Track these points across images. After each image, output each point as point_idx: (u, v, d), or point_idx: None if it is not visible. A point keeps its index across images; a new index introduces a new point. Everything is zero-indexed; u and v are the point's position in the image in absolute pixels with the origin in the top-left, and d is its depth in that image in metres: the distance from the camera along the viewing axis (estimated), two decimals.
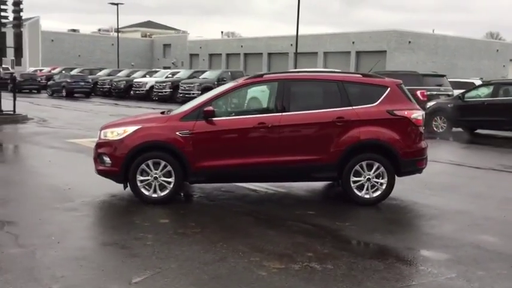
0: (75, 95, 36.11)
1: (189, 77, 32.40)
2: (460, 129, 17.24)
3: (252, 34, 59.34)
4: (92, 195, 7.44)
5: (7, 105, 18.91)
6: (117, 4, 50.71)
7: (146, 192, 7.10)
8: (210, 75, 31.44)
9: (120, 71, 41.71)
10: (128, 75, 38.49)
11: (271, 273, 4.70)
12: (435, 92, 19.04)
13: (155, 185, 7.09)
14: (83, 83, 36.76)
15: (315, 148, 7.21)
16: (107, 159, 7.18)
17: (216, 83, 28.33)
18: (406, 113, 7.34)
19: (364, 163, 7.23)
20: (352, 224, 6.39)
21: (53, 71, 47.68)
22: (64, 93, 35.93)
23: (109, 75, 40.56)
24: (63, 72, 43.99)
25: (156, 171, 7.07)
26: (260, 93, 7.65)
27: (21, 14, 19.47)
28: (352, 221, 6.51)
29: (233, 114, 7.40)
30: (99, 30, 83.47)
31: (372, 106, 7.35)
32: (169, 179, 7.09)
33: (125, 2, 53.04)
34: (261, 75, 7.68)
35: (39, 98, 34.19)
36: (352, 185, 7.25)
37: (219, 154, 7.12)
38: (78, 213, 6.56)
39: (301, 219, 6.50)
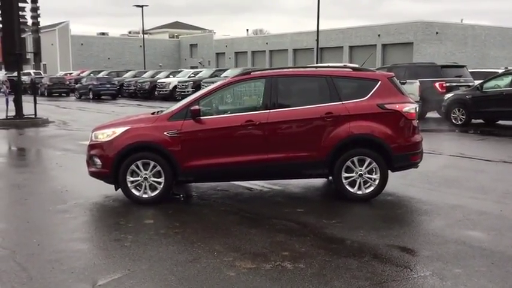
0: (102, 97, 36.75)
1: (211, 76, 32.52)
2: (481, 121, 16.79)
3: (280, 31, 59.26)
4: (87, 196, 7.52)
5: (31, 109, 19.33)
6: (141, 6, 51.28)
7: (137, 193, 7.13)
8: (230, 73, 31.43)
9: (145, 72, 42.19)
10: (153, 76, 38.91)
11: (240, 273, 4.64)
12: (455, 84, 18.58)
13: (145, 186, 7.12)
14: (108, 85, 37.39)
15: (305, 145, 7.10)
16: (98, 161, 7.24)
17: None
18: (397, 106, 7.16)
19: (355, 159, 7.10)
20: (338, 221, 6.26)
21: (81, 74, 48.67)
22: (91, 96, 36.63)
23: (134, 76, 41.11)
24: (91, 75, 44.84)
25: (145, 172, 7.09)
26: (248, 91, 7.59)
27: (39, 19, 19.88)
28: (339, 218, 6.38)
29: (221, 112, 7.35)
30: (130, 32, 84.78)
31: (362, 100, 7.20)
32: (159, 179, 7.11)
33: (154, 3, 53.66)
34: (249, 73, 7.61)
35: (66, 101, 34.93)
36: (344, 181, 7.12)
37: (208, 153, 7.10)
38: (68, 215, 6.64)
39: (287, 217, 6.42)
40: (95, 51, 67.17)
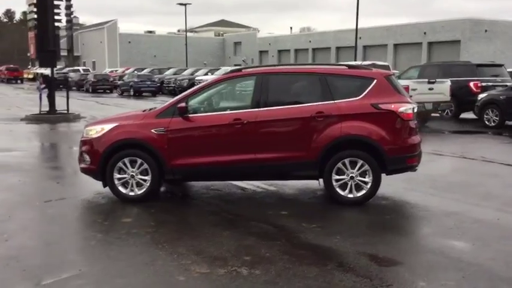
0: (143, 94, 37.32)
1: None
2: None
3: (328, 28, 58.30)
4: (79, 192, 7.53)
5: (71, 104, 19.71)
6: (185, 4, 51.81)
7: (124, 190, 7.05)
8: None
9: (185, 70, 42.57)
10: (192, 74, 39.21)
11: (190, 278, 4.47)
12: (491, 83, 17.73)
13: (132, 183, 7.04)
14: (149, 83, 37.91)
15: (294, 145, 6.84)
16: (87, 157, 7.22)
17: None
18: (392, 106, 6.79)
19: (346, 160, 6.78)
20: (319, 226, 5.97)
21: (125, 72, 49.63)
22: (132, 93, 37.25)
23: (174, 74, 41.55)
24: (135, 72, 45.65)
25: (132, 169, 7.01)
26: (239, 89, 7.39)
27: (72, 17, 20.30)
28: (321, 223, 6.09)
29: (211, 110, 7.17)
30: (178, 30, 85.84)
31: (356, 100, 6.86)
32: (146, 177, 7.01)
33: (202, 2, 54.10)
34: (240, 70, 7.41)
35: (108, 97, 35.59)
36: (335, 183, 6.82)
37: (195, 152, 6.94)
38: (51, 210, 6.65)
39: (267, 220, 6.19)
40: (142, 49, 68.36)
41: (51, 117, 19.14)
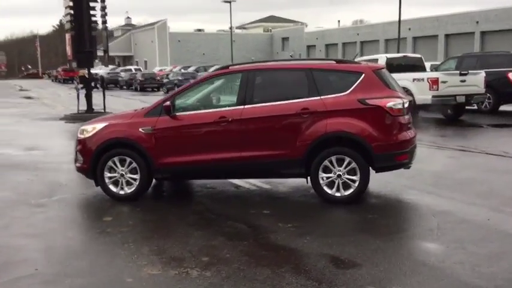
0: None
1: None
2: None
3: (380, 20, 56.84)
4: (78, 192, 7.65)
5: (114, 103, 20.21)
6: (229, 1, 52.06)
7: (114, 189, 7.13)
8: None
9: None
10: None
11: (137, 279, 4.44)
12: None
13: (122, 182, 7.11)
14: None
15: (280, 143, 6.70)
16: (80, 157, 7.35)
17: None
18: (380, 101, 6.52)
19: (333, 158, 6.58)
20: (295, 225, 5.81)
21: (173, 70, 50.48)
22: None
23: None
24: (180, 70, 46.38)
25: (122, 168, 7.07)
26: (226, 86, 7.30)
27: (107, 18, 20.80)
28: (299, 223, 5.92)
29: (197, 108, 7.13)
30: (231, 28, 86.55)
31: (343, 95, 6.64)
32: (135, 176, 7.06)
33: None
34: (227, 67, 7.32)
35: (153, 95, 36.24)
36: (321, 182, 6.64)
37: (182, 150, 6.93)
38: (40, 209, 6.79)
39: (245, 219, 6.10)
40: (191, 47, 69.35)
41: (87, 116, 19.66)
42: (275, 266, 4.65)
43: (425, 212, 6.18)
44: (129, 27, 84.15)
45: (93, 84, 20.73)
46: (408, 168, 6.98)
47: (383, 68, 7.02)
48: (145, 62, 73.39)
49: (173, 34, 70.23)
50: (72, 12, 20.08)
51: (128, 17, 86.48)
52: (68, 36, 20.76)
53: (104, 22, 20.94)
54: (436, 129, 13.98)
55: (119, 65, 70.56)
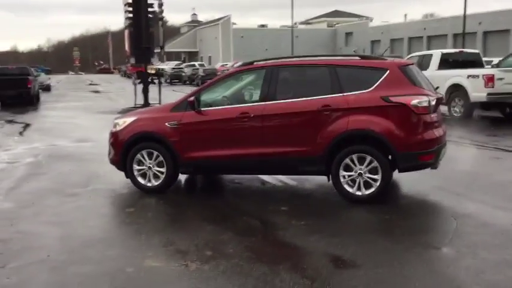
0: None
1: None
2: None
3: (454, 13, 54.55)
4: (112, 183, 7.89)
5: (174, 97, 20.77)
6: None
7: (142, 181, 7.33)
8: None
9: None
10: None
11: (137, 269, 4.55)
12: None
13: (149, 175, 7.31)
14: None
15: (301, 139, 6.66)
16: (112, 149, 7.63)
17: None
18: (404, 99, 6.33)
19: (354, 156, 6.46)
20: (308, 223, 5.76)
21: (234, 65, 51.02)
22: None
23: None
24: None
25: (150, 161, 7.27)
26: (251, 82, 7.31)
27: (163, 15, 21.31)
28: (313, 220, 5.86)
29: (222, 104, 7.19)
30: (295, 23, 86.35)
31: (366, 92, 6.50)
32: (162, 169, 7.24)
33: None
34: (252, 63, 7.34)
35: None
36: (342, 180, 6.53)
37: (205, 145, 7.03)
38: (71, 199, 7.09)
39: (260, 215, 6.11)
40: (254, 43, 69.65)
41: None
42: (274, 263, 4.64)
43: (447, 215, 5.97)
44: (195, 23, 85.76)
45: (150, 79, 21.32)
46: (435, 168, 6.74)
47: (410, 64, 6.80)
48: (210, 57, 74.51)
49: (236, 30, 70.86)
50: (130, 9, 20.75)
51: (194, 14, 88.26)
52: (126, 32, 21.43)
53: (161, 19, 21.45)
54: (490, 129, 13.35)
55: (184, 61, 72.04)
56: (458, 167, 8.48)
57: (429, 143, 6.40)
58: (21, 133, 14.77)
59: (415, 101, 6.31)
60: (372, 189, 6.44)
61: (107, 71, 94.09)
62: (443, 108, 16.14)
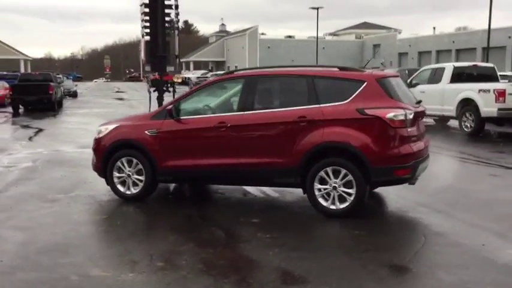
0: None
1: None
2: None
3: (485, 26, 53.13)
4: (95, 189, 7.91)
5: None
6: (317, 8, 51.82)
7: (122, 189, 7.32)
8: None
9: None
10: None
11: (80, 278, 4.51)
12: None
13: (128, 182, 7.29)
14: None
15: (276, 151, 6.54)
16: (94, 156, 7.65)
17: None
18: (379, 112, 6.17)
19: (329, 169, 6.31)
20: (273, 236, 5.62)
21: None
22: None
23: None
24: None
25: (129, 169, 7.26)
26: (231, 91, 7.24)
27: (179, 24, 21.50)
28: (279, 234, 5.72)
29: (201, 113, 7.13)
30: (324, 35, 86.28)
31: (342, 104, 6.36)
32: (141, 177, 7.22)
33: (351, 4, 53.62)
34: (232, 72, 7.27)
35: None
36: (317, 193, 6.39)
37: (183, 154, 6.98)
38: (49, 204, 7.11)
39: (228, 227, 6.02)
40: (281, 54, 69.77)
41: None
42: (222, 276, 4.54)
43: (418, 233, 5.76)
44: (223, 33, 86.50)
45: (165, 87, 21.48)
46: (413, 184, 6.54)
47: (390, 77, 6.63)
48: (236, 67, 74.91)
49: (263, 40, 71.14)
50: (147, 18, 20.99)
51: (223, 24, 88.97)
52: (142, 41, 21.69)
53: (177, 28, 21.63)
54: (498, 145, 12.95)
55: (211, 70, 72.61)
56: (449, 183, 8.24)
57: (405, 157, 6.21)
58: (30, 138, 15.03)
59: (390, 114, 6.14)
60: (347, 204, 6.28)
61: (136, 79, 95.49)
62: (454, 123, 15.87)
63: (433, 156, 11.15)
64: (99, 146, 7.53)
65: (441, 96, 15.43)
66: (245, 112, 6.70)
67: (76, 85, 45.08)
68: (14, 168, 9.96)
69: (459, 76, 15.57)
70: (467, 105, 14.59)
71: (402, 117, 6.18)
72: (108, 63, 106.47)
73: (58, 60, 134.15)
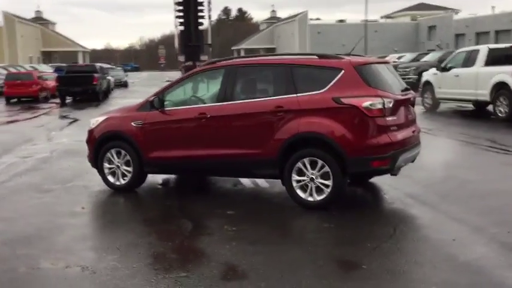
0: None
1: (438, 60, 27.76)
2: None
3: None
4: (91, 180, 7.96)
5: None
6: None
7: (112, 180, 7.40)
8: (431, 57, 28.65)
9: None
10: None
11: (28, 270, 4.56)
12: None
13: (118, 173, 7.37)
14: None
15: (255, 141, 6.41)
16: (88, 147, 7.78)
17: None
18: (355, 100, 5.89)
19: (306, 160, 6.12)
20: (241, 229, 5.49)
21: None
22: None
23: None
24: None
25: (118, 160, 7.33)
26: (213, 81, 7.13)
27: (210, 13, 21.57)
28: (249, 226, 5.61)
29: (184, 104, 7.07)
30: (382, 17, 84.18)
31: (319, 93, 6.13)
32: (129, 168, 7.27)
33: None
34: (214, 62, 7.15)
35: None
36: (295, 184, 6.22)
37: (166, 145, 6.96)
38: (40, 195, 7.23)
39: (199, 219, 5.98)
40: (331, 39, 68.45)
41: None
42: (165, 270, 4.49)
43: (389, 227, 5.46)
44: (274, 20, 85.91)
45: None
46: (395, 175, 6.23)
47: (371, 63, 6.32)
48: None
49: (313, 26, 70.03)
50: (180, 7, 21.18)
51: (273, 10, 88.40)
52: (176, 31, 21.92)
53: (209, 17, 21.72)
54: None
55: None
56: (453, 172, 7.82)
57: (383, 147, 5.92)
58: (62, 128, 15.52)
59: (367, 103, 5.86)
60: (324, 195, 6.07)
61: (191, 68, 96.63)
62: (489, 108, 15.05)
63: (453, 144, 10.73)
64: (91, 137, 7.64)
65: (475, 80, 14.68)
66: (225, 103, 6.60)
67: (127, 75, 46.16)
68: (30, 158, 10.29)
69: (495, 58, 14.72)
70: (501, 89, 13.79)
71: (380, 106, 5.88)
72: (163, 53, 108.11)
73: (117, 50, 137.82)
